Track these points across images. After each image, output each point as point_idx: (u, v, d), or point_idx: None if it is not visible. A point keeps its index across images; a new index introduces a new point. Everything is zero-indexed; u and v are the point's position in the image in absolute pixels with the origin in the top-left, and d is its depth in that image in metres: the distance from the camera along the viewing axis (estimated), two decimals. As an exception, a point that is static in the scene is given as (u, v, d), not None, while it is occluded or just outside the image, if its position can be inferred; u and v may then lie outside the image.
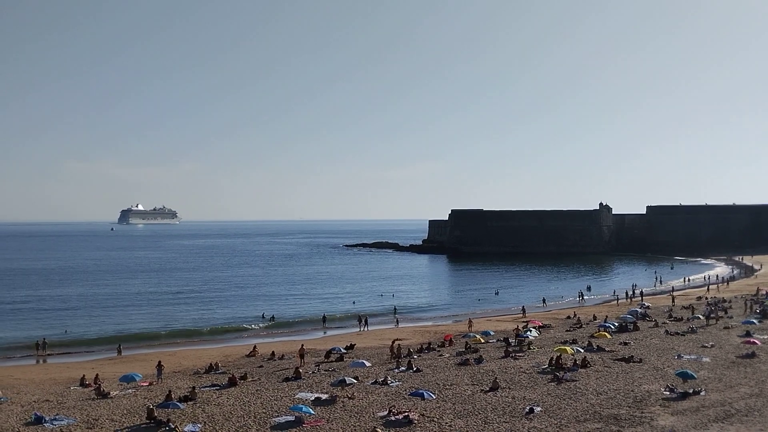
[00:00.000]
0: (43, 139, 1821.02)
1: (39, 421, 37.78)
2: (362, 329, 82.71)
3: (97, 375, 51.14)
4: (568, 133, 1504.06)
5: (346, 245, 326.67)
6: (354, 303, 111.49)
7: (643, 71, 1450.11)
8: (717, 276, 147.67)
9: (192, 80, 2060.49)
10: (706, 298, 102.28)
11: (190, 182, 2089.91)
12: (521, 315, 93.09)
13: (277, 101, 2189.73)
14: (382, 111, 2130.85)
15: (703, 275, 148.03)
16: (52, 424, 37.34)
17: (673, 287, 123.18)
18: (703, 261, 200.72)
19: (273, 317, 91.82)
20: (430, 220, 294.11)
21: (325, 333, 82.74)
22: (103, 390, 45.91)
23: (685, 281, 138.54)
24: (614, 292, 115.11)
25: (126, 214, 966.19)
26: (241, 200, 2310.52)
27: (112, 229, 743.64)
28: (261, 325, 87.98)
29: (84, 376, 51.04)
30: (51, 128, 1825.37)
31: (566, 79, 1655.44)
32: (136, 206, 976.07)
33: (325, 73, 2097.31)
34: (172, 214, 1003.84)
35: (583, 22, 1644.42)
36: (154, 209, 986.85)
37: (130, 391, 46.94)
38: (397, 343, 63.94)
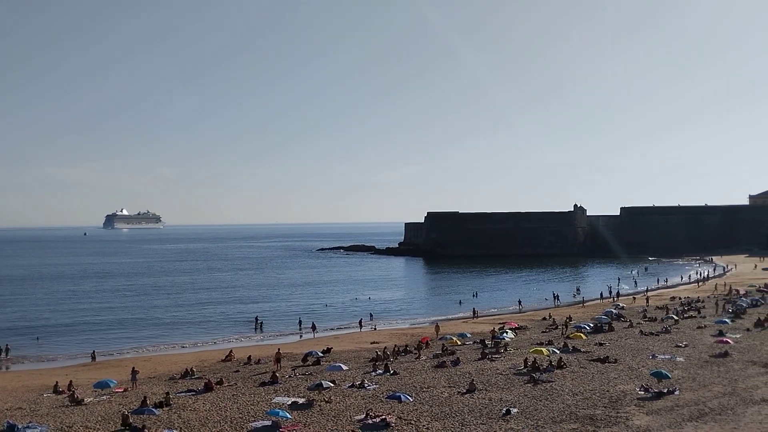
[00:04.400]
0: (30, 146, 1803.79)
1: (12, 429, 37.22)
2: (314, 335, 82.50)
3: (70, 382, 50.60)
4: (544, 138, 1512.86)
5: (323, 249, 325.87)
6: (326, 306, 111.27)
7: (619, 80, 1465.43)
8: (699, 273, 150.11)
9: (182, 88, 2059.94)
10: (680, 298, 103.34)
11: (177, 187, 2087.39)
12: (472, 317, 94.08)
13: (268, 108, 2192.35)
14: (371, 116, 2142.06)
15: (679, 276, 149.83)
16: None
17: (647, 287, 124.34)
18: (677, 261, 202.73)
19: (262, 323, 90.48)
20: (406, 223, 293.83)
21: (300, 337, 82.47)
22: (77, 397, 45.39)
23: (658, 282, 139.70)
24: (575, 292, 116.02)
25: (111, 219, 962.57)
26: (229, 204, 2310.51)
27: (84, 234, 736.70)
28: (253, 331, 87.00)
29: (57, 382, 50.49)
30: (38, 135, 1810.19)
31: (543, 87, 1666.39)
32: (121, 211, 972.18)
33: (314, 81, 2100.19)
34: (156, 219, 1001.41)
35: (563, 32, 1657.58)
36: (139, 214, 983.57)
37: (104, 397, 46.47)
38: (384, 346, 64.40)
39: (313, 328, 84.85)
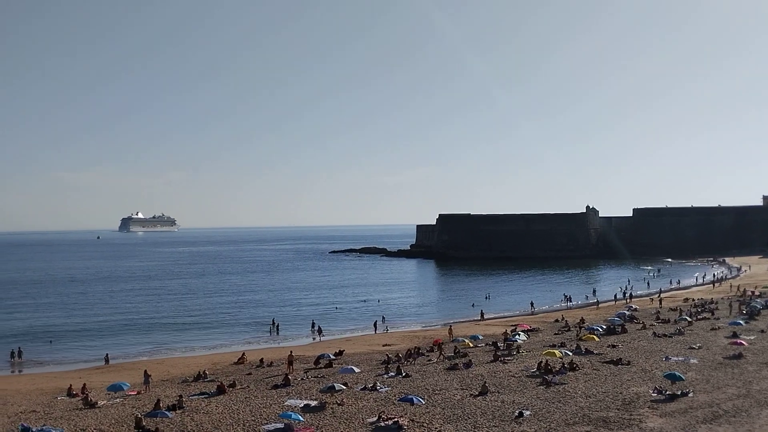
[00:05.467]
0: (41, 150, 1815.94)
1: (26, 432, 37.50)
2: (316, 338, 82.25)
3: (84, 384, 50.87)
4: (555, 140, 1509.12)
5: (334, 251, 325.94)
6: (337, 309, 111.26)
7: (630, 81, 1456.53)
8: (713, 275, 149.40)
9: (194, 91, 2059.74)
10: (693, 300, 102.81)
11: (187, 190, 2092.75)
12: (479, 319, 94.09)
13: (279, 111, 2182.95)
14: (382, 119, 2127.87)
15: (692, 278, 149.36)
16: (39, 435, 37.06)
17: (660, 289, 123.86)
18: (690, 263, 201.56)
19: (278, 326, 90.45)
20: (417, 225, 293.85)
21: (313, 339, 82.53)
22: (91, 400, 45.65)
23: (671, 283, 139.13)
24: (590, 294, 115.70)
25: (126, 222, 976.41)
26: (240, 207, 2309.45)
27: (98, 237, 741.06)
28: (267, 334, 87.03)
29: (71, 385, 50.74)
30: (49, 139, 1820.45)
31: (556, 88, 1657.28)
32: (136, 214, 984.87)
33: (325, 84, 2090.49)
34: (171, 222, 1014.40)
35: (575, 34, 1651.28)
36: (154, 217, 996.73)
37: (117, 400, 46.70)
38: (407, 349, 65.11)
39: (319, 331, 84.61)
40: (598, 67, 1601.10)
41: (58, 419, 40.98)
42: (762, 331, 68.10)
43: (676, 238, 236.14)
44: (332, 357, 61.59)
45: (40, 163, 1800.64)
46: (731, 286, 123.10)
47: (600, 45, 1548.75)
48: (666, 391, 42.15)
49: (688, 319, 78.98)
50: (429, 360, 59.81)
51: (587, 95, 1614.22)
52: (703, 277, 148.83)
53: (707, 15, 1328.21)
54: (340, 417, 39.08)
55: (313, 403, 42.46)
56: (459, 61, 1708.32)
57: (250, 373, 56.72)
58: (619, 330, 72.58)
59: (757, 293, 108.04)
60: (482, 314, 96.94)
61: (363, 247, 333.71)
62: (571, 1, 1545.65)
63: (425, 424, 36.71)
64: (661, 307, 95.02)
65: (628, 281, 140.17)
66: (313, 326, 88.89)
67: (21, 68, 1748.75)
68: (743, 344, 59.53)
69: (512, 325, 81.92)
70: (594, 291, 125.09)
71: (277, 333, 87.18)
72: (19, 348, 72.53)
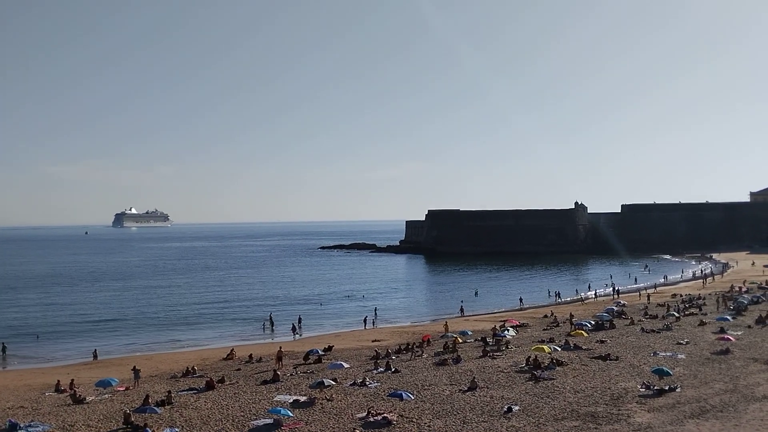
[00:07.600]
0: (29, 144, 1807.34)
1: (14, 428, 37.28)
2: (294, 337, 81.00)
3: (72, 380, 50.60)
4: (544, 135, 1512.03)
5: (323, 247, 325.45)
6: (321, 305, 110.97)
7: (618, 76, 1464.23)
8: (701, 271, 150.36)
9: (184, 86, 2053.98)
10: (681, 296, 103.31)
11: (177, 185, 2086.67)
12: (459, 315, 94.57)
13: (268, 105, 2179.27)
14: (372, 113, 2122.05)
15: (680, 273, 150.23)
16: (27, 430, 36.92)
17: (655, 284, 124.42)
18: (678, 258, 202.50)
19: (273, 321, 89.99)
20: (406, 221, 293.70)
21: (300, 335, 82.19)
22: (79, 395, 45.44)
23: (666, 279, 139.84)
24: (583, 291, 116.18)
25: (120, 218, 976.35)
26: (230, 202, 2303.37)
27: (86, 233, 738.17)
28: (264, 329, 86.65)
29: (59, 381, 50.49)
30: (36, 133, 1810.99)
31: (543, 84, 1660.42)
32: (130, 210, 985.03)
33: (315, 78, 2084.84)
34: (164, 217, 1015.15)
35: (563, 30, 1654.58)
36: (147, 212, 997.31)
37: (106, 396, 46.51)
38: (409, 342, 65.43)
39: (293, 329, 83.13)
40: (587, 63, 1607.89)
41: (46, 415, 40.81)
42: (749, 327, 68.53)
43: (665, 234, 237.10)
44: (321, 353, 61.52)
45: (27, 157, 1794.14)
46: (719, 281, 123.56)
47: (590, 41, 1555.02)
48: (654, 386, 42.36)
49: (676, 314, 79.37)
50: (419, 355, 59.82)
51: (575, 92, 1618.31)
52: (693, 273, 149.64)
53: (696, 11, 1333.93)
54: (330, 412, 39.09)
55: (303, 399, 42.44)
56: (449, 55, 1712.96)
57: (239, 369, 56.58)
58: (608, 325, 72.86)
59: (744, 289, 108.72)
60: (462, 310, 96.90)
61: (352, 242, 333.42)
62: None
63: (414, 420, 36.76)
64: (649, 303, 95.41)
65: (611, 277, 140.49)
66: (299, 322, 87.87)
67: (8, 62, 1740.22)
68: (730, 340, 59.90)
69: (501, 321, 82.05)
70: (589, 286, 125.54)
71: (272, 329, 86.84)
72: (4, 343, 72.05)
